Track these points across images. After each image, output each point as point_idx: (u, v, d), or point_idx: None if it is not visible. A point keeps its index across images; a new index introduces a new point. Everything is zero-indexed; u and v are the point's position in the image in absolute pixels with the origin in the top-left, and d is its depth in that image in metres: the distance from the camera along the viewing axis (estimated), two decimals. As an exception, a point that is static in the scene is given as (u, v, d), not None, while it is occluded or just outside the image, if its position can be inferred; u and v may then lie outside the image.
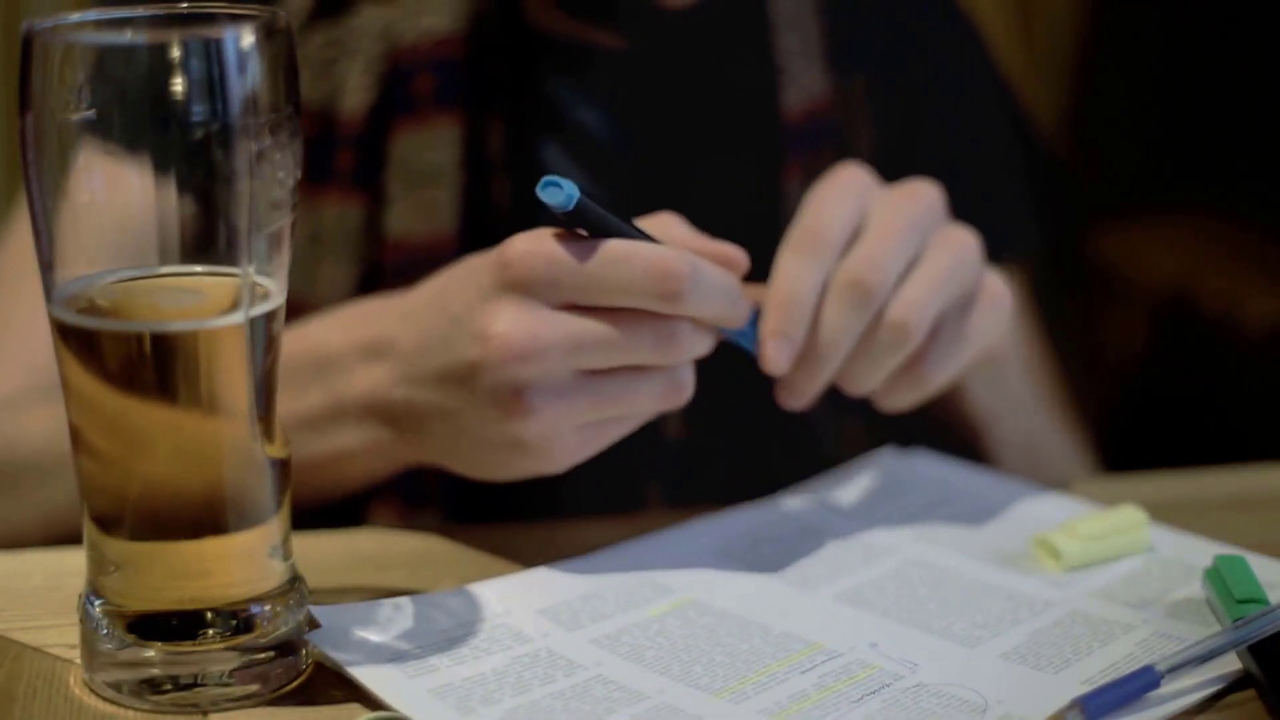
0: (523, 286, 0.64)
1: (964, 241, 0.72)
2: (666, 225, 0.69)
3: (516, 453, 0.66)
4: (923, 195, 0.73)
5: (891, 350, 0.69)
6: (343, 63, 0.87)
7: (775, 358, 0.68)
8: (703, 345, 0.66)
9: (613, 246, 0.64)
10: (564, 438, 0.66)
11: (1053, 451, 0.96)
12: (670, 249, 0.64)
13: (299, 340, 0.73)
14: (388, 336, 0.70)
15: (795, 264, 0.69)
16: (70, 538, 0.64)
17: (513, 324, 0.63)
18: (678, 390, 0.66)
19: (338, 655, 0.58)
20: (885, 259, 0.69)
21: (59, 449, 0.62)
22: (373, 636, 0.60)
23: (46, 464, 0.78)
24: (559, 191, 0.62)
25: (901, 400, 0.73)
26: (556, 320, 0.63)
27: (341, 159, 0.88)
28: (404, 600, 0.63)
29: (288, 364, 0.62)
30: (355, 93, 0.88)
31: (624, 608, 0.64)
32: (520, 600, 0.64)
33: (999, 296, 0.74)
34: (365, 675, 0.57)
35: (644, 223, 0.67)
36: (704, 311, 0.65)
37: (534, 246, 0.64)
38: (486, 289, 0.65)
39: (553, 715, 0.56)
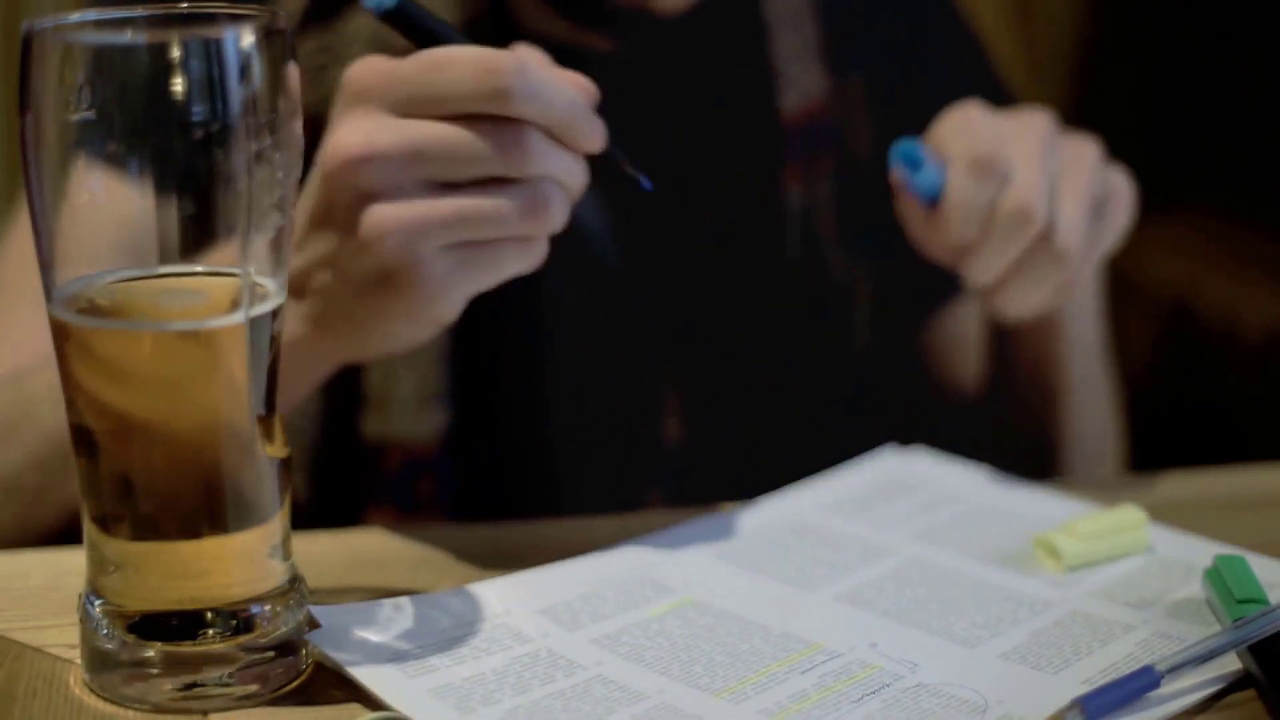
0: (361, 99, 0.64)
1: (1091, 151, 0.79)
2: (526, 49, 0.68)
3: (390, 292, 0.65)
4: (1042, 124, 0.78)
5: (1052, 270, 0.76)
6: (334, 69, 0.87)
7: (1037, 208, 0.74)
8: (561, 161, 0.65)
9: (437, 52, 0.64)
10: (427, 263, 0.64)
11: (1104, 410, 1.00)
12: (496, 50, 0.64)
13: None
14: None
15: (969, 186, 0.74)
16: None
17: (348, 132, 0.63)
18: (538, 208, 0.64)
19: (338, 655, 0.58)
20: (1040, 184, 0.74)
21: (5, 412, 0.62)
22: (372, 636, 0.60)
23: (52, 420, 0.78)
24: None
25: (1044, 301, 0.80)
26: (393, 124, 0.63)
27: None
28: (404, 600, 0.63)
29: None
30: None
31: (624, 608, 0.64)
32: (520, 600, 0.64)
33: (1123, 192, 0.81)
34: (365, 675, 0.57)
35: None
36: (544, 116, 0.64)
37: (369, 63, 0.65)
38: (335, 116, 0.65)
39: (553, 715, 0.56)
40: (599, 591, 0.66)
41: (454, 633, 0.61)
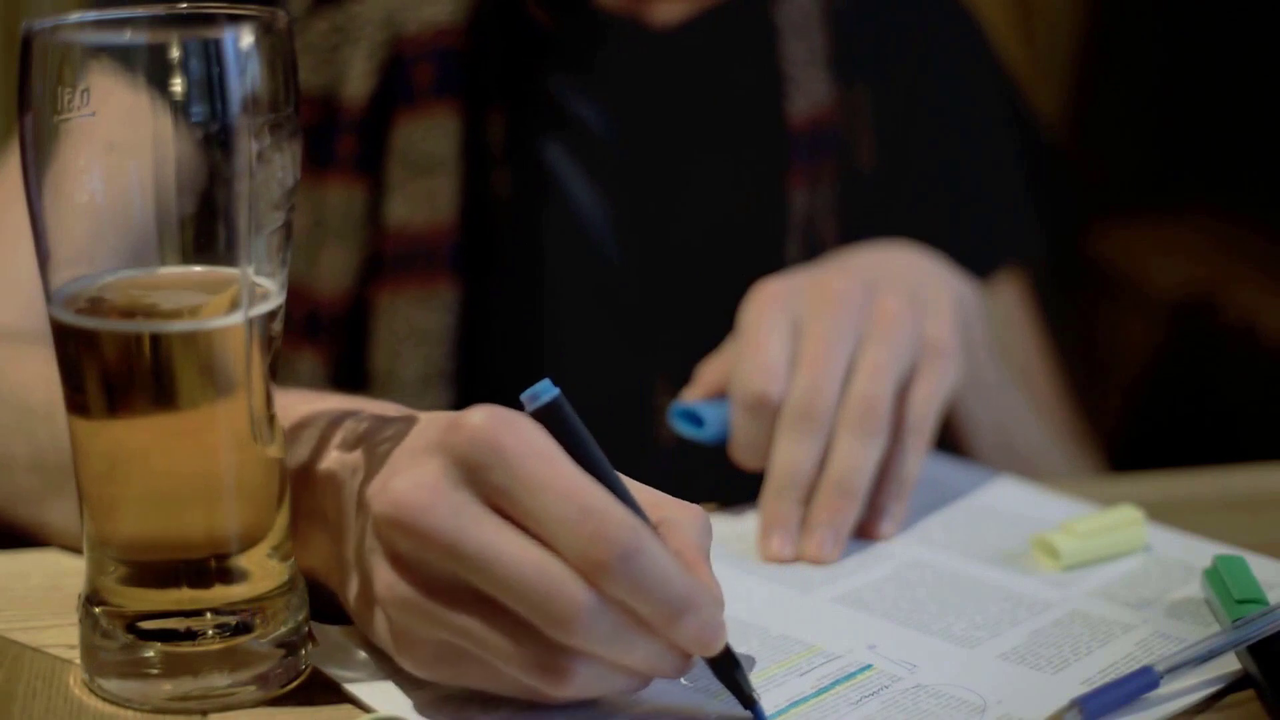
0: (455, 459, 0.53)
1: (890, 314, 0.72)
2: (690, 523, 0.56)
3: (375, 617, 0.57)
4: (839, 290, 0.73)
5: (854, 436, 0.70)
6: (345, 49, 0.88)
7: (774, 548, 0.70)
8: (627, 649, 0.53)
9: (559, 470, 0.52)
10: (418, 643, 0.55)
11: (1030, 441, 0.96)
12: (623, 511, 0.52)
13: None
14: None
15: (750, 429, 0.71)
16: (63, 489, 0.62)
17: (413, 489, 0.53)
18: (551, 673, 0.53)
19: (336, 673, 0.58)
20: (824, 381, 0.70)
21: (45, 394, 0.60)
22: (371, 655, 0.60)
23: (34, 409, 0.77)
24: (534, 392, 0.55)
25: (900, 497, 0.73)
26: (464, 514, 0.53)
27: (344, 145, 0.89)
28: None
29: None
30: (357, 80, 0.89)
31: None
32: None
33: (942, 346, 0.74)
34: (363, 691, 0.57)
35: (665, 504, 0.57)
36: (635, 605, 0.52)
37: (489, 423, 0.53)
38: (429, 443, 0.55)
39: (550, 719, 0.56)
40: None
41: None
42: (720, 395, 0.75)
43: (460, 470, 0.53)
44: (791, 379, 0.71)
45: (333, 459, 0.59)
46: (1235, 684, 0.59)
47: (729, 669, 0.56)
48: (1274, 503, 0.80)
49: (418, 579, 0.54)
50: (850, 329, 0.72)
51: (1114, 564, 0.69)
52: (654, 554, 0.52)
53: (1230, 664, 0.59)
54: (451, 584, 0.53)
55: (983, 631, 0.63)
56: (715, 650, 0.54)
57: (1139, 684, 0.56)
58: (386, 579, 0.54)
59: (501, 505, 0.53)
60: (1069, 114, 1.82)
